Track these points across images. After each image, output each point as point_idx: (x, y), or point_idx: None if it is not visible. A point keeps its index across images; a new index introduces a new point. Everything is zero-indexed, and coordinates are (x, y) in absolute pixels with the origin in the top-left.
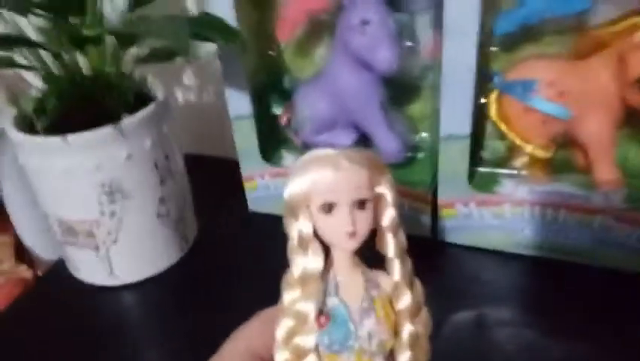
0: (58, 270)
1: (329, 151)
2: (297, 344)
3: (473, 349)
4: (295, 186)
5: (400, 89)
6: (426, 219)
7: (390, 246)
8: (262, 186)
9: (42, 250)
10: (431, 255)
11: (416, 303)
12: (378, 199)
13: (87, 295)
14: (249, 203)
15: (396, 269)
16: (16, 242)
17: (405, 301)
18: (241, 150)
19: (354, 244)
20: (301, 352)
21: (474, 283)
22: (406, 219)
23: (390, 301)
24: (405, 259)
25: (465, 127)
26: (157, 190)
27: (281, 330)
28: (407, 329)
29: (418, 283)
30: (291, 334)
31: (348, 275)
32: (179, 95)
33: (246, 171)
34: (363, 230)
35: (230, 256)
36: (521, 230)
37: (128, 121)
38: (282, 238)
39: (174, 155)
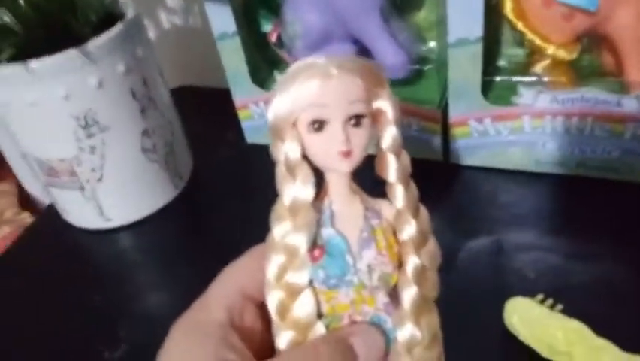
0: (51, 215)
1: (317, 59)
2: (288, 281)
3: (491, 277)
4: (279, 104)
5: None
6: (437, 140)
7: (392, 169)
8: (258, 114)
9: (43, 195)
10: (444, 179)
11: (422, 233)
12: (376, 115)
13: (80, 239)
14: (245, 134)
15: (399, 195)
16: (19, 189)
17: (409, 230)
18: (230, 74)
19: (349, 165)
20: (294, 290)
21: (491, 207)
22: (414, 141)
23: (394, 232)
24: (409, 183)
25: (476, 29)
26: (138, 121)
27: (271, 267)
28: (412, 262)
29: (423, 211)
30: (282, 271)
31: (344, 203)
32: (164, 22)
33: (238, 98)
34: (359, 149)
35: (228, 192)
36: (542, 145)
37: (94, 43)
38: None
39: (155, 82)
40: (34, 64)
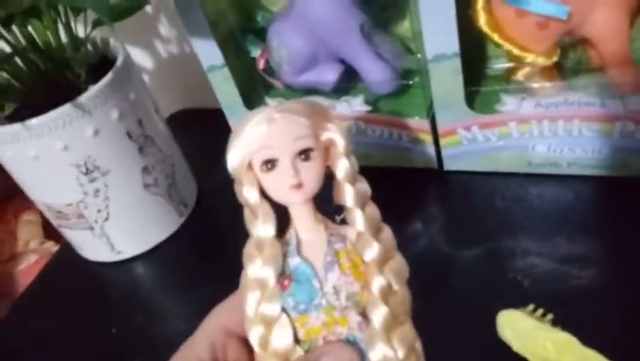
0: (68, 249)
1: (263, 108)
2: (263, 313)
3: (485, 285)
4: (233, 152)
5: (383, 7)
6: (430, 149)
7: (349, 196)
8: None
9: None
10: (438, 186)
11: (384, 252)
12: (328, 147)
13: (95, 272)
14: None
15: (358, 219)
16: (44, 220)
17: (371, 252)
18: (224, 102)
19: (302, 197)
20: (269, 320)
21: (486, 211)
22: (407, 151)
23: (359, 256)
24: (368, 206)
25: (452, 44)
26: (137, 160)
27: (249, 303)
28: (377, 282)
29: (387, 229)
30: (258, 305)
31: (309, 232)
32: (160, 51)
33: (234, 123)
34: (310, 181)
35: (233, 214)
36: (532, 148)
37: (87, 95)
38: None
39: (150, 120)
40: (32, 122)
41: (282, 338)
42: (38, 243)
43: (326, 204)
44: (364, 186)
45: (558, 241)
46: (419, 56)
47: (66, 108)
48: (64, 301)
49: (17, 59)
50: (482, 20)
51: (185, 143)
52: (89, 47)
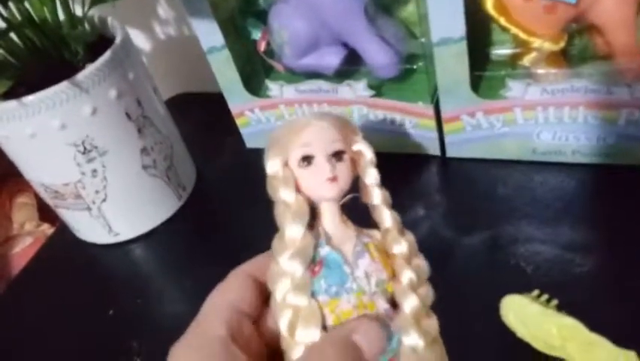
0: (64, 231)
1: (298, 118)
2: (293, 301)
3: (488, 271)
4: (272, 151)
5: None
6: (433, 135)
7: (377, 194)
8: (254, 120)
9: None
10: (441, 173)
11: (410, 248)
12: (357, 158)
13: (91, 253)
14: (245, 140)
15: (386, 216)
16: (38, 201)
17: (399, 247)
18: (223, 84)
19: (336, 190)
20: (298, 308)
21: (489, 199)
22: (411, 137)
23: (385, 251)
24: (393, 210)
25: (458, 28)
26: (136, 141)
27: (280, 292)
28: (406, 274)
29: (409, 234)
30: (288, 292)
31: (337, 228)
32: (159, 32)
33: (233, 106)
34: (343, 178)
35: (232, 198)
36: (537, 135)
37: (84, 73)
38: None
39: (149, 100)
40: (29, 99)
41: (310, 326)
42: (34, 225)
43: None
44: (388, 194)
45: (561, 228)
46: (423, 40)
47: (63, 86)
48: (61, 283)
49: (13, 36)
50: (489, 3)
51: (184, 127)
52: (87, 25)
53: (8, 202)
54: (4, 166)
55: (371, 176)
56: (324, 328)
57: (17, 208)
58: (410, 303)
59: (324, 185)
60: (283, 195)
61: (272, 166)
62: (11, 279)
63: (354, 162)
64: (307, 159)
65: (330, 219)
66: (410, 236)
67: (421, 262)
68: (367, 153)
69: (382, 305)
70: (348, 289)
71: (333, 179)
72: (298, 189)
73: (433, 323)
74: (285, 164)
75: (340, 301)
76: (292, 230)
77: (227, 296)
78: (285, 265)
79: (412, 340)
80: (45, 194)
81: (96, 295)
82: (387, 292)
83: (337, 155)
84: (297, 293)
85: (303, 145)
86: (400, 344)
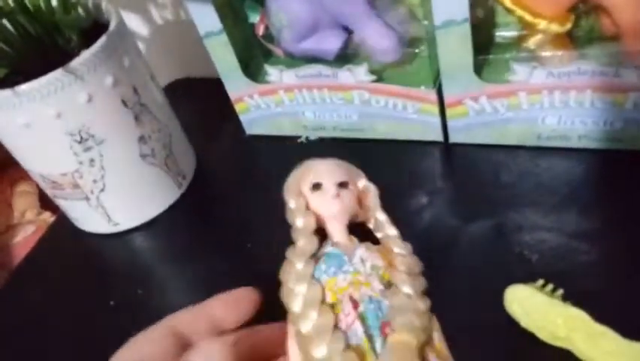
0: (63, 220)
1: (312, 160)
2: (298, 287)
3: (493, 260)
4: (290, 188)
5: None
6: (435, 120)
7: (379, 212)
8: (254, 106)
9: None
10: (444, 160)
11: (410, 250)
12: (364, 194)
13: (91, 243)
14: (244, 126)
15: (387, 224)
16: (40, 190)
17: (398, 247)
18: (221, 69)
19: (339, 205)
20: (304, 290)
21: (493, 185)
22: (412, 123)
23: (385, 251)
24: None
25: (462, 9)
26: (133, 129)
27: (297, 303)
28: (403, 263)
29: (408, 245)
30: (296, 281)
31: (343, 239)
32: (155, 17)
33: (232, 92)
34: (347, 199)
35: (232, 185)
36: (542, 120)
37: (78, 60)
38: (283, 162)
39: (146, 88)
40: (22, 87)
41: (313, 304)
42: (35, 213)
43: None
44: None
45: (567, 215)
46: (426, 22)
47: (57, 73)
48: (62, 273)
49: (6, 23)
50: None
51: (183, 114)
52: (81, 10)
53: (9, 190)
54: (4, 154)
55: (375, 200)
56: (324, 303)
57: (18, 196)
58: (406, 283)
59: (329, 200)
60: (299, 223)
61: (291, 203)
62: (13, 269)
63: (363, 198)
64: (317, 186)
65: (338, 235)
66: (410, 246)
67: (419, 263)
68: (371, 188)
69: (377, 286)
70: (344, 271)
71: (338, 195)
72: (308, 207)
73: (427, 306)
74: (300, 193)
75: (337, 279)
76: (305, 246)
77: (175, 320)
78: (295, 262)
79: (405, 289)
80: (43, 184)
81: (97, 285)
82: (383, 278)
83: (342, 185)
84: (301, 280)
85: (314, 177)
86: (390, 308)
